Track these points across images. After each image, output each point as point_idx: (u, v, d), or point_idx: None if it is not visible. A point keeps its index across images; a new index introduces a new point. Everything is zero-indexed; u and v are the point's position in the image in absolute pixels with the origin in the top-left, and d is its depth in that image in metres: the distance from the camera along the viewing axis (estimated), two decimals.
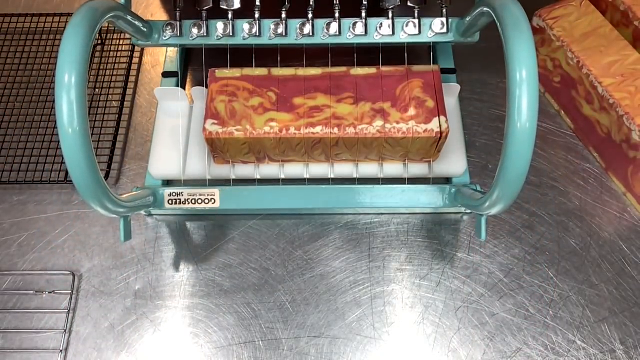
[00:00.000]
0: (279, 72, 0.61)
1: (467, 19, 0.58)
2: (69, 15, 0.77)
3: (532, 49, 0.40)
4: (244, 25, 0.61)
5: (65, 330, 0.59)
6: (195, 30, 0.61)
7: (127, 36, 0.76)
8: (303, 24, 0.62)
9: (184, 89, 0.70)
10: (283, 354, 0.58)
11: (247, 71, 0.61)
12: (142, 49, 0.76)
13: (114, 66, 0.74)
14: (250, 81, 0.60)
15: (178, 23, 0.62)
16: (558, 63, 0.66)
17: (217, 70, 0.61)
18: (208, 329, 0.59)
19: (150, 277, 0.62)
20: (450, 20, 0.61)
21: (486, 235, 0.53)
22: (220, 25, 0.61)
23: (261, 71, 0.61)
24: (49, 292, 0.61)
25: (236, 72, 0.61)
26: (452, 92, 0.67)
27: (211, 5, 0.60)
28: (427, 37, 0.62)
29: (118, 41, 0.75)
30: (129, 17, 0.56)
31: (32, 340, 0.59)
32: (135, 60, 0.75)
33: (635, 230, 0.63)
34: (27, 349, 0.59)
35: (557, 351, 0.58)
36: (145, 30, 0.61)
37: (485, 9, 0.50)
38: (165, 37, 0.62)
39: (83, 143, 0.42)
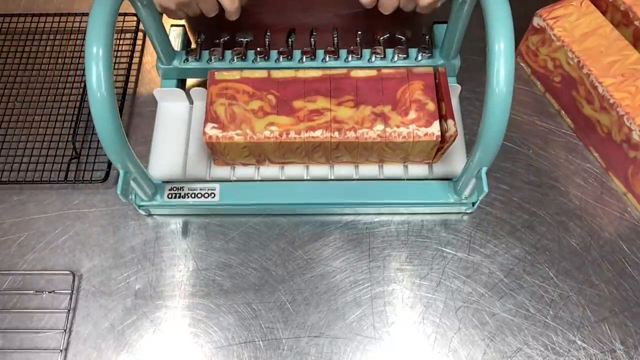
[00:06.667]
0: (279, 74, 0.61)
1: (451, 10, 0.60)
2: (69, 15, 0.77)
3: (510, 24, 0.45)
4: (256, 54, 0.68)
5: (65, 330, 0.59)
6: (213, 57, 0.68)
7: (128, 36, 0.76)
8: (306, 52, 0.68)
9: (184, 89, 0.70)
10: (283, 354, 0.58)
11: (247, 73, 0.61)
12: (142, 49, 0.76)
13: (114, 66, 0.74)
14: (250, 84, 0.60)
15: (199, 49, 0.69)
16: (558, 63, 0.66)
17: (216, 73, 0.61)
18: (208, 329, 0.59)
19: (150, 277, 0.62)
20: (433, 49, 0.68)
21: (487, 188, 0.53)
22: (234, 52, 0.68)
23: (260, 73, 0.61)
24: (49, 292, 0.61)
25: (235, 75, 0.61)
26: (452, 92, 0.67)
27: (228, 37, 0.69)
28: (415, 61, 0.67)
29: (118, 41, 0.75)
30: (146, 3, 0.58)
31: (32, 340, 0.59)
32: (135, 60, 0.75)
33: (636, 230, 0.63)
34: (27, 349, 0.59)
35: (557, 351, 0.58)
36: (170, 45, 0.67)
37: None
38: (187, 61, 0.68)
39: (110, 107, 0.47)
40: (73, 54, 0.75)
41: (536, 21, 0.66)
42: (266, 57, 0.68)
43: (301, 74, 0.61)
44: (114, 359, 0.58)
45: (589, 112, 0.65)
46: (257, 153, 0.61)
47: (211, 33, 0.70)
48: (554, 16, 0.65)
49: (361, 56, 0.68)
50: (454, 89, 0.67)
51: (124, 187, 0.54)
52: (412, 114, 0.59)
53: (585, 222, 0.64)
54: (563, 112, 0.70)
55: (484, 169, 0.53)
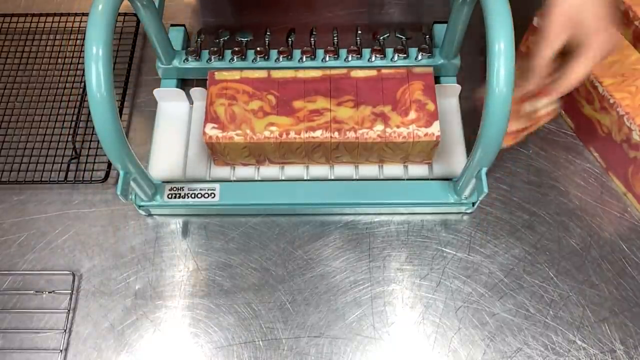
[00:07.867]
0: (279, 74, 0.61)
1: (451, 10, 0.60)
2: (69, 15, 0.77)
3: (510, 24, 0.45)
4: (256, 53, 0.68)
5: (65, 330, 0.59)
6: (213, 57, 0.68)
7: (127, 36, 0.76)
8: (306, 52, 0.68)
9: (183, 89, 0.70)
10: (283, 354, 0.58)
11: (247, 73, 0.61)
12: (143, 47, 0.76)
13: (114, 66, 0.73)
14: (250, 84, 0.60)
15: (199, 49, 0.69)
16: None
17: (216, 73, 0.61)
18: (208, 329, 0.59)
19: (150, 277, 0.62)
20: (433, 48, 0.68)
21: (487, 188, 0.54)
22: (234, 52, 0.69)
23: (260, 73, 0.61)
24: (49, 292, 0.61)
25: (235, 75, 0.61)
26: (452, 92, 0.67)
27: (228, 37, 0.69)
28: (415, 61, 0.68)
29: (118, 41, 0.75)
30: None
31: (32, 340, 0.59)
32: (135, 60, 0.75)
33: (636, 230, 0.63)
34: (27, 349, 0.59)
35: (557, 351, 0.58)
36: (170, 45, 0.67)
37: None
38: (187, 60, 0.69)
39: (110, 107, 0.47)
40: (73, 54, 0.75)
41: (536, 21, 0.66)
42: (266, 57, 0.68)
43: (301, 74, 0.61)
44: (114, 359, 0.58)
45: (589, 112, 0.65)
46: (257, 153, 0.61)
47: (211, 33, 0.70)
48: None
49: (361, 56, 0.68)
50: (454, 89, 0.67)
51: (124, 188, 0.54)
52: (412, 114, 0.59)
53: (585, 222, 0.64)
54: (563, 112, 0.70)
55: (484, 169, 0.53)
